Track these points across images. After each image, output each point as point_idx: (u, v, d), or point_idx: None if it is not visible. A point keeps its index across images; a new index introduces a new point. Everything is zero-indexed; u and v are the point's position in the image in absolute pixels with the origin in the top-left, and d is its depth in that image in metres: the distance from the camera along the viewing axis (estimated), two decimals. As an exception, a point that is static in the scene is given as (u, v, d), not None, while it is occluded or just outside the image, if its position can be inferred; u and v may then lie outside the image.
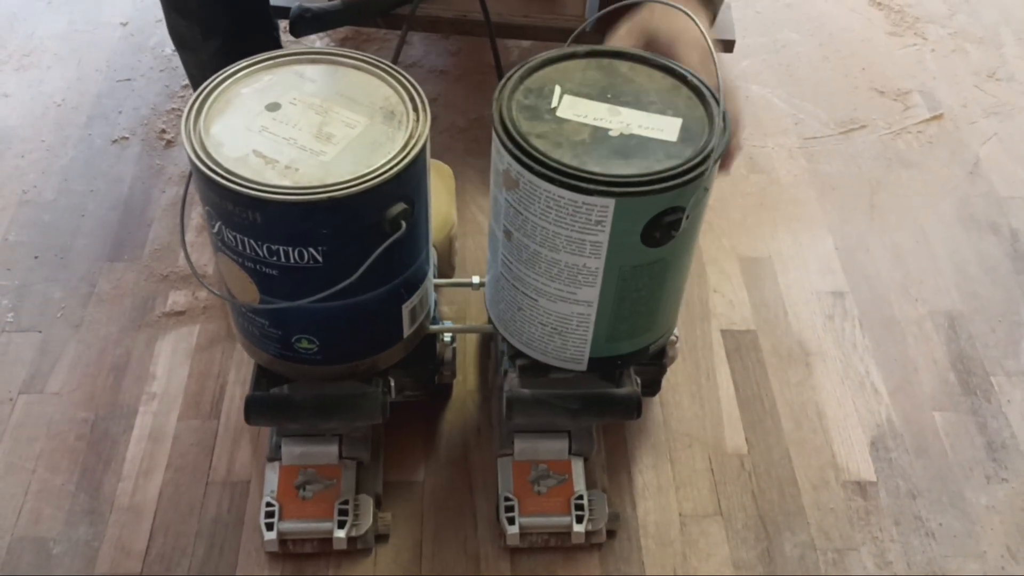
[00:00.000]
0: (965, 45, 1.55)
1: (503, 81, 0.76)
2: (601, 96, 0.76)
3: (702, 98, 0.77)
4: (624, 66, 0.79)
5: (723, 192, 1.29)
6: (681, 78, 0.78)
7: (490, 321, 0.89)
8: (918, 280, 1.19)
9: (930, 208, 1.29)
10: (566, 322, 0.80)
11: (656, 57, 0.80)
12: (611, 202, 0.70)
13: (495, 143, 0.74)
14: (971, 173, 1.34)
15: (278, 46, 1.15)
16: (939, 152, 1.37)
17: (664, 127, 0.74)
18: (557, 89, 0.76)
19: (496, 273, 0.83)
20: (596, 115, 0.74)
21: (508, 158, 0.72)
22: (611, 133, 0.73)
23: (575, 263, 0.75)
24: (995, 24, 1.60)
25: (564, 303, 0.79)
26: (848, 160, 1.35)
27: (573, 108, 0.75)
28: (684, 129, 0.74)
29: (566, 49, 0.79)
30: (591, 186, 0.69)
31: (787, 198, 1.29)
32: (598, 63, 0.79)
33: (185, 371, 1.05)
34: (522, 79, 0.76)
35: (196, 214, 1.21)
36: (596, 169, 0.70)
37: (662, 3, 0.81)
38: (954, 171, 1.34)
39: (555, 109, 0.74)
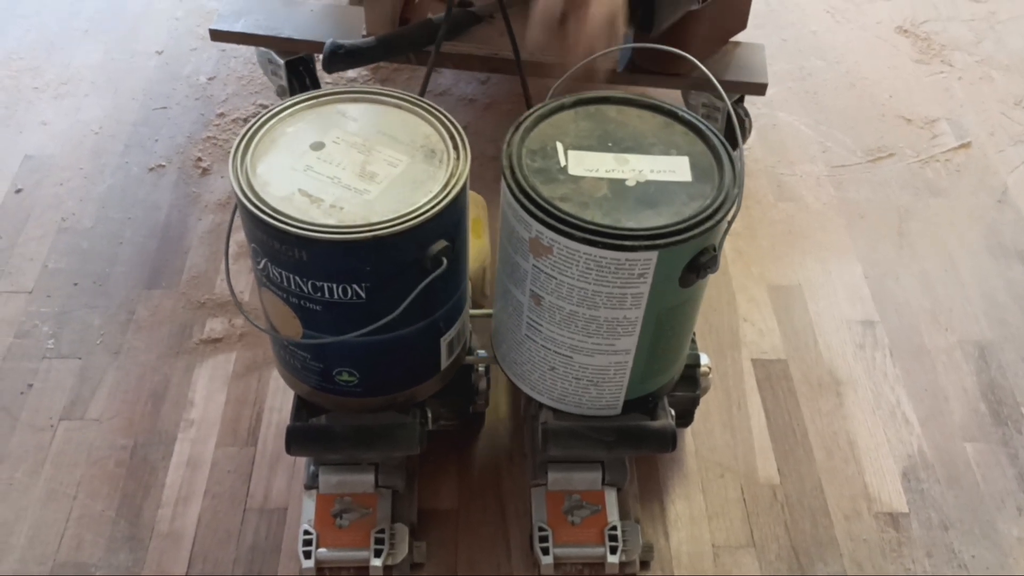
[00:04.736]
0: (992, 73, 1.56)
1: (505, 147, 0.76)
2: (602, 146, 0.77)
3: (697, 132, 0.78)
4: (612, 110, 0.80)
5: (752, 220, 1.29)
6: (671, 115, 0.79)
7: (511, 381, 0.89)
8: (947, 308, 1.20)
9: (958, 236, 1.29)
10: (603, 372, 0.81)
11: (639, 97, 0.81)
12: (654, 255, 0.71)
13: (515, 212, 0.74)
14: (999, 201, 1.34)
15: None
16: (967, 180, 1.37)
17: (675, 168, 0.75)
18: (559, 146, 0.77)
19: (519, 336, 0.83)
20: (606, 167, 0.75)
21: (538, 226, 0.72)
22: (628, 183, 0.74)
23: (615, 316, 0.76)
24: (1021, 51, 1.60)
25: (602, 355, 0.79)
26: (876, 188, 1.35)
27: (582, 163, 0.75)
28: (694, 167, 0.75)
29: (553, 102, 0.80)
30: (634, 243, 0.70)
31: (815, 226, 1.30)
32: (586, 111, 0.80)
33: (222, 398, 1.07)
34: (523, 140, 0.77)
35: (233, 242, 1.22)
36: (632, 224, 0.71)
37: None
38: (982, 199, 1.34)
39: (565, 168, 0.75)
